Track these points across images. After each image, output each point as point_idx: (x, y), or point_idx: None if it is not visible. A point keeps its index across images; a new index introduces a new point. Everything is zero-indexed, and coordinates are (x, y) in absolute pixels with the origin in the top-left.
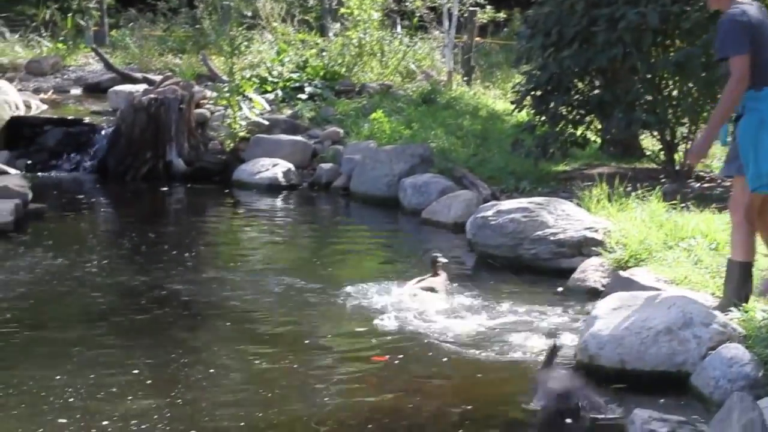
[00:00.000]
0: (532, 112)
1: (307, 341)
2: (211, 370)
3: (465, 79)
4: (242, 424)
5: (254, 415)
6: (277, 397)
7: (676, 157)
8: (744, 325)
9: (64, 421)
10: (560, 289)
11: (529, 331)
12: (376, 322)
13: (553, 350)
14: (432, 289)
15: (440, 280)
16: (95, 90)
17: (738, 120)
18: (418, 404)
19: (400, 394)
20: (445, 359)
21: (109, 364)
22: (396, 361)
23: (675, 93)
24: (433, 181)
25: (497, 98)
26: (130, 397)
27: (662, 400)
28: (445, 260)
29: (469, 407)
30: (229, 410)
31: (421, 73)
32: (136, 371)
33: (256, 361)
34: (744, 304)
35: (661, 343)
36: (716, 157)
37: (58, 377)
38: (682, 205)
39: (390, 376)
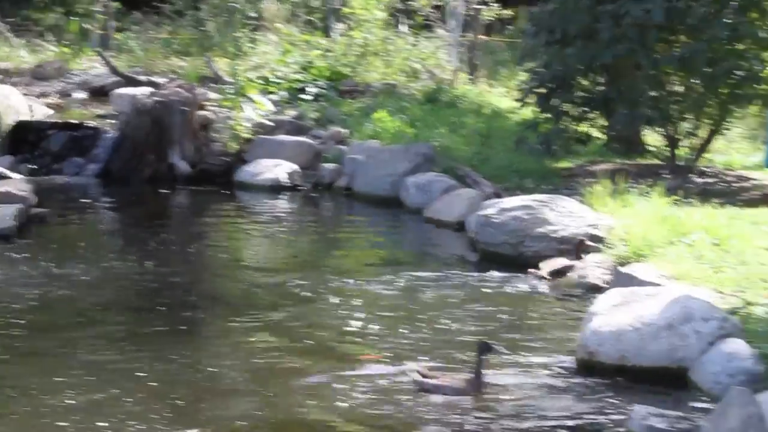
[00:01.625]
0: (536, 109)
1: (309, 341)
2: (214, 370)
3: (470, 77)
4: (243, 424)
5: (254, 415)
6: (276, 400)
7: (679, 152)
8: (744, 320)
9: (65, 424)
10: (562, 286)
11: (527, 330)
12: (373, 321)
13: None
14: None
15: None
16: (100, 93)
17: None
18: (411, 407)
19: (387, 396)
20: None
21: (111, 367)
22: (388, 361)
23: (679, 89)
24: (436, 179)
25: (502, 96)
26: (130, 400)
27: (662, 396)
28: None
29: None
30: (229, 411)
31: (426, 71)
32: (138, 374)
33: (257, 362)
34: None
35: (661, 338)
36: (719, 152)
37: (60, 380)
38: (685, 200)
39: (381, 378)
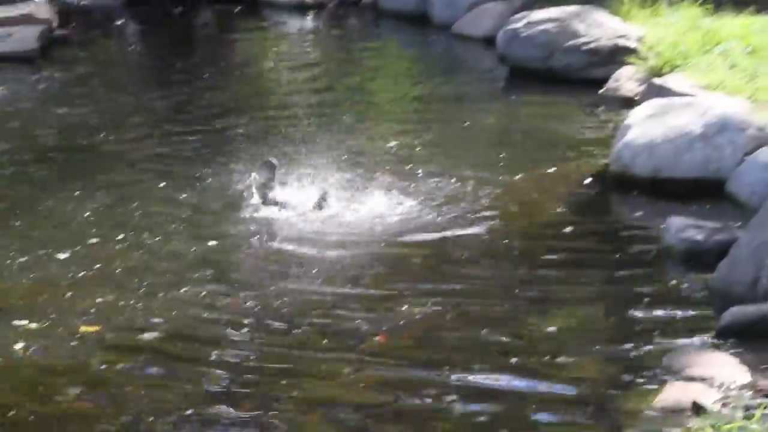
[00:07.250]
0: None
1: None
2: None
3: None
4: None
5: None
6: None
7: None
8: None
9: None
10: (593, 100)
11: (560, 144)
12: (408, 137)
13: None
14: None
15: None
16: None
17: None
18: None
19: None
20: None
21: (128, 188)
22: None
23: None
24: None
25: None
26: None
27: (698, 208)
28: None
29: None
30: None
31: None
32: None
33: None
34: None
35: (696, 149)
36: None
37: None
38: (718, 9)
39: None
